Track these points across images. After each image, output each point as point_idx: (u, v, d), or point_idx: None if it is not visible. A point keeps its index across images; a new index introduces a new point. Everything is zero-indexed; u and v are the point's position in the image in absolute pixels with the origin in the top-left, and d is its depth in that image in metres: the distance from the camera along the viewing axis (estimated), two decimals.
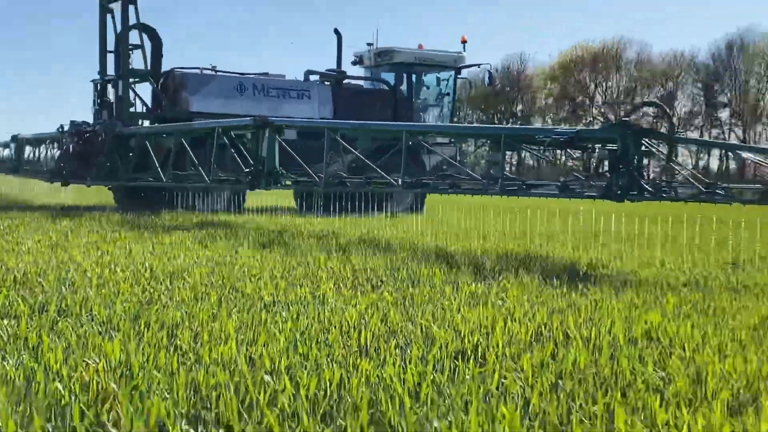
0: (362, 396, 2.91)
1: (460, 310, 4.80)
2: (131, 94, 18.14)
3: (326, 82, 20.35)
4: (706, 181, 9.07)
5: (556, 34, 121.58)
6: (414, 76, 21.85)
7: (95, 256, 7.37)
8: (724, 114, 75.45)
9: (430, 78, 22.40)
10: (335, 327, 4.22)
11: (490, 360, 3.61)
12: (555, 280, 6.33)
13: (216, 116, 16.50)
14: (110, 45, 17.88)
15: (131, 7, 17.27)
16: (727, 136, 73.26)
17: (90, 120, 18.28)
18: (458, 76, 22.71)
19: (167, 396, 2.98)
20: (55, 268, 6.35)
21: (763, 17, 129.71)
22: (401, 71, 21.63)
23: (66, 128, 17.43)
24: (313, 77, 20.52)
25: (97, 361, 3.40)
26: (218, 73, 19.32)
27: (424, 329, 4.19)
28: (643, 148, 8.88)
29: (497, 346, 3.87)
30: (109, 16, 17.72)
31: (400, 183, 11.22)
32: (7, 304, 4.79)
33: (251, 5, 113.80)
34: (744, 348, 4.00)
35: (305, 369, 3.34)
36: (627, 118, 10.73)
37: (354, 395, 2.96)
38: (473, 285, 5.96)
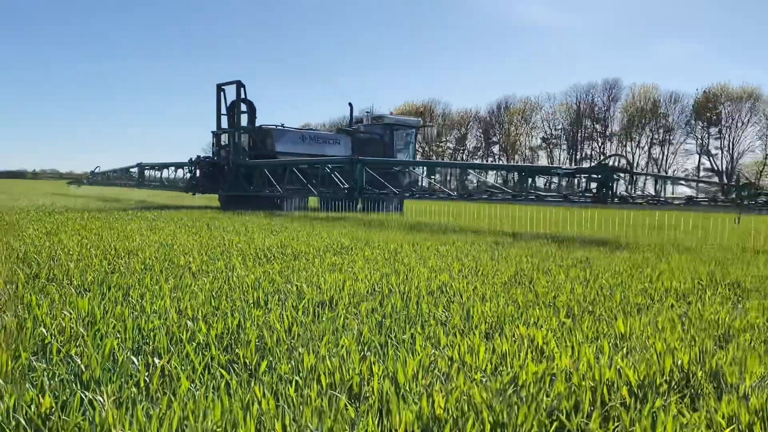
0: (252, 333, 2.87)
1: (323, 275, 4.78)
2: (241, 141, 19.84)
3: (347, 135, 22.77)
4: (650, 195, 12.82)
5: (394, 96, 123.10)
6: (394, 132, 23.67)
7: (95, 239, 6.97)
8: (495, 148, 78.39)
9: (401, 133, 24.07)
10: (238, 288, 4.14)
11: (339, 307, 3.62)
12: (386, 254, 6.40)
13: (290, 155, 19.62)
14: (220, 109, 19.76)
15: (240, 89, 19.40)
16: (497, 161, 76.17)
17: (204, 155, 20.50)
18: (416, 132, 25.12)
19: (119, 335, 2.86)
20: (48, 248, 5.96)
21: (519, 88, 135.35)
22: (387, 128, 23.51)
23: (194, 159, 19.72)
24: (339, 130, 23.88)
25: (71, 312, 3.23)
26: (288, 128, 21.44)
27: (298, 288, 4.15)
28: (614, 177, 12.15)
29: (345, 298, 3.88)
30: (222, 93, 19.64)
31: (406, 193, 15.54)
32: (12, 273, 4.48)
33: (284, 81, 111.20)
34: (498, 296, 4.14)
35: (216, 316, 3.27)
36: (605, 162, 12.97)
37: (248, 333, 2.91)
38: (334, 258, 5.95)
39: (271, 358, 2.57)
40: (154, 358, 2.55)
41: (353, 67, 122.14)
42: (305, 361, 2.48)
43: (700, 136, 69.46)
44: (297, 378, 2.33)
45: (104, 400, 2.06)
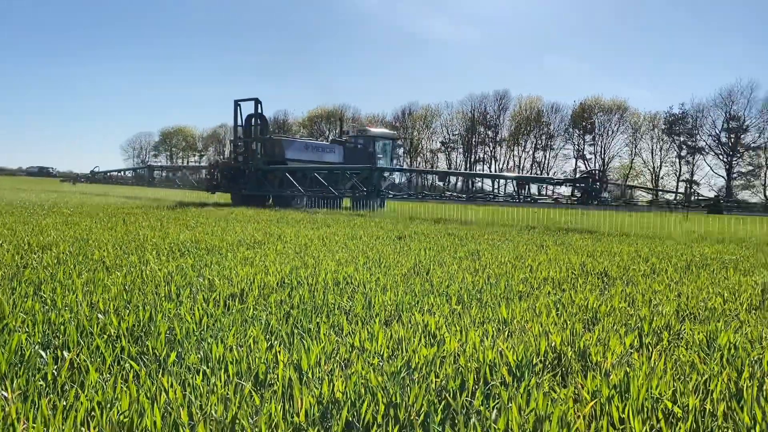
0: (163, 326, 2.76)
1: (235, 268, 4.67)
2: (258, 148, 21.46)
3: (340, 144, 25.12)
4: (623, 199, 18.05)
5: (306, 101, 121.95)
6: (375, 143, 25.63)
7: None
8: (400, 151, 79.37)
9: (380, 144, 26.02)
10: (151, 281, 3.97)
11: (249, 300, 3.54)
12: (297, 248, 6.33)
13: (296, 161, 21.75)
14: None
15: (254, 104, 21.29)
16: (401, 163, 77.27)
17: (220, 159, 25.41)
18: (394, 143, 27.67)
19: (27, 330, 2.68)
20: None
21: (421, 96, 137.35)
22: (370, 140, 25.59)
23: (212, 163, 22.60)
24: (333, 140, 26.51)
25: None
26: (294, 138, 25.05)
27: (209, 281, 4.03)
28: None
29: (255, 290, 3.80)
30: (239, 108, 21.37)
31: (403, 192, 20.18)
32: None
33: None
34: (397, 286, 4.18)
35: (128, 309, 3.12)
36: (588, 174, 17.65)
37: (158, 325, 2.79)
38: (246, 252, 5.83)
39: (180, 349, 2.47)
40: (64, 352, 2.41)
41: (265, 75, 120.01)
42: (214, 352, 2.41)
43: (576, 143, 73.26)
44: (205, 368, 2.26)
45: (8, 395, 1.92)
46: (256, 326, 2.86)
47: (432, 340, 2.82)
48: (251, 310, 3.23)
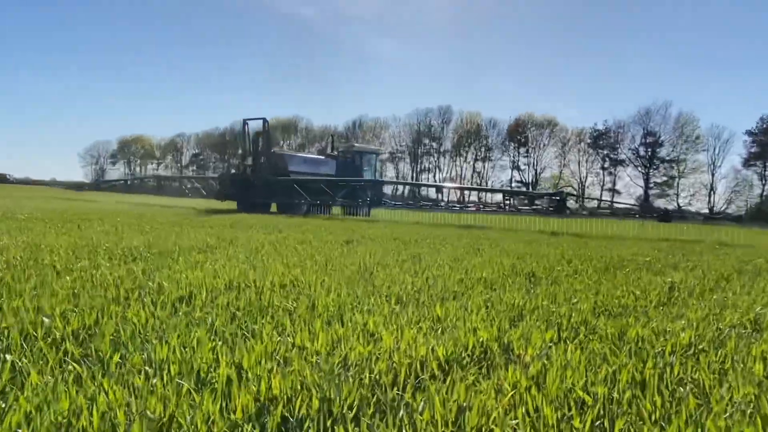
0: (109, 328, 2.66)
1: (185, 272, 4.54)
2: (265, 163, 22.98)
3: (333, 158, 26.81)
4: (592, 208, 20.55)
5: (262, 109, 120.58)
6: (362, 157, 27.36)
7: None
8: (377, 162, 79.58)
9: (367, 158, 27.72)
10: (100, 285, 3.82)
11: (197, 302, 3.45)
12: (248, 252, 6.23)
13: (298, 173, 23.18)
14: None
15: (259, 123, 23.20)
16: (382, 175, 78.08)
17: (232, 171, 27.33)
18: (378, 157, 29.79)
19: None
20: None
21: (371, 110, 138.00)
22: (357, 154, 27.33)
23: (222, 175, 25.85)
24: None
25: None
26: (294, 154, 27.52)
27: (159, 285, 3.91)
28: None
29: (203, 293, 3.70)
30: (246, 126, 23.25)
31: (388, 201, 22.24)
32: None
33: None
34: (341, 288, 4.15)
35: (75, 313, 2.99)
36: (562, 192, 19.88)
37: (103, 328, 2.69)
38: (198, 256, 5.69)
39: (124, 351, 2.39)
40: (6, 355, 2.29)
41: (222, 84, 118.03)
42: (157, 353, 2.33)
43: (512, 154, 74.97)
44: (147, 369, 2.19)
45: None
46: (202, 328, 2.79)
47: (370, 339, 2.81)
48: (198, 312, 3.15)
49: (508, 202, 23.03)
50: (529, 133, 73.27)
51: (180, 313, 3.10)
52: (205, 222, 11.55)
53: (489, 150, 75.38)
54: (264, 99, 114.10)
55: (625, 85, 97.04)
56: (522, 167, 74.91)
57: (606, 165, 70.03)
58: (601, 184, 69.80)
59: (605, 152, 70.13)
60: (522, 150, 74.59)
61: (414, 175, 77.66)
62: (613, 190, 69.11)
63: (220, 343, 2.58)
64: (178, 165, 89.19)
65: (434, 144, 78.70)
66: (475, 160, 75.90)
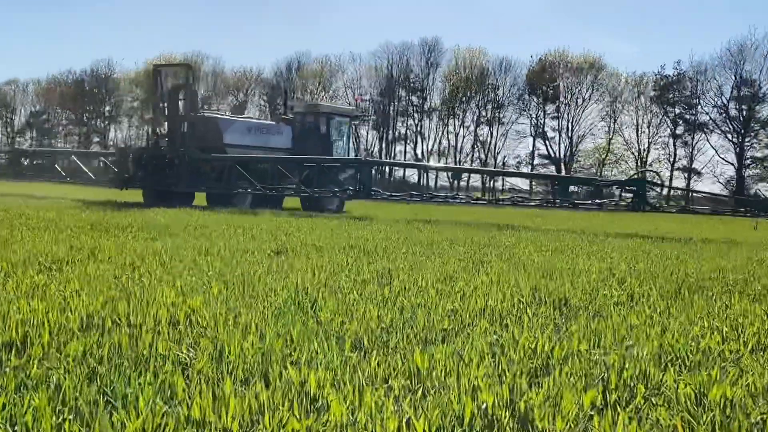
0: None
1: (16, 302, 4.43)
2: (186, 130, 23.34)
3: (287, 124, 27.50)
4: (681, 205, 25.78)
5: (143, 44, 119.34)
6: (331, 122, 28.24)
7: None
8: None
9: (336, 123, 28.65)
10: None
11: (35, 351, 3.37)
12: (118, 269, 6.14)
13: (239, 147, 23.96)
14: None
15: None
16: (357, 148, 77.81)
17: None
18: (352, 122, 31.59)
19: None
20: None
21: (315, 45, 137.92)
22: (323, 118, 28.07)
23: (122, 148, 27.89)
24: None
25: None
26: (234, 117, 28.29)
27: None
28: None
29: (45, 335, 3.61)
30: (159, 76, 23.89)
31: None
32: None
33: None
34: (267, 326, 4.10)
35: None
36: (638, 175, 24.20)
37: None
38: (38, 276, 5.58)
39: None
40: None
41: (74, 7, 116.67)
42: None
43: (534, 115, 75.38)
44: None
45: None
46: (41, 393, 2.72)
47: (310, 407, 2.79)
48: (35, 367, 3.09)
49: (555, 187, 25.32)
50: (562, 81, 74.17)
51: (6, 370, 3.03)
52: (52, 222, 11.37)
53: (499, 108, 76.10)
54: (145, 27, 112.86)
55: (708, 10, 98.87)
56: (550, 134, 75.73)
57: (679, 131, 71.18)
58: (671, 159, 70.90)
59: (677, 111, 71.35)
60: (550, 108, 75.49)
61: (384, 145, 77.86)
62: (690, 170, 70.21)
63: (70, 417, 2.53)
64: (8, 131, 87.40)
65: (414, 98, 79.10)
66: (477, 123, 76.49)
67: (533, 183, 51.52)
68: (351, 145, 30.75)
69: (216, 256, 7.50)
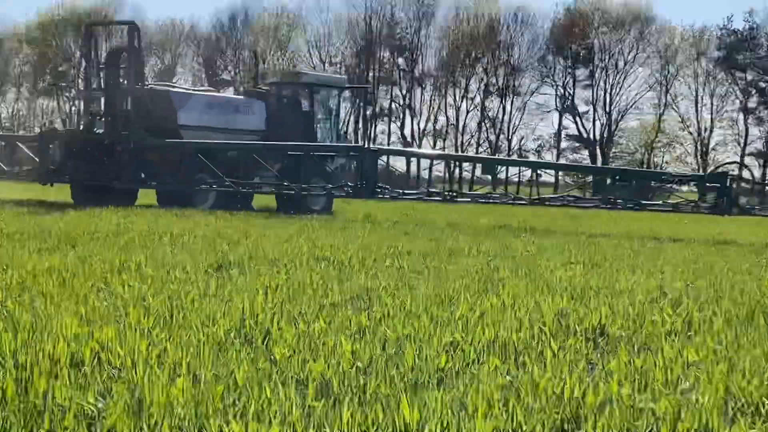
0: None
1: None
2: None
3: (260, 99, 28.11)
4: None
5: None
6: (314, 95, 29.22)
7: None
8: (228, 92, 78.85)
9: (323, 96, 30.03)
10: None
11: None
12: (3, 292, 6.12)
13: (198, 129, 24.37)
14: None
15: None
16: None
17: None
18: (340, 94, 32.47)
19: None
20: None
21: None
22: (306, 90, 29.23)
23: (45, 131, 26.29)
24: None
25: None
26: (190, 91, 28.37)
27: None
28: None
29: None
30: (93, 37, 25.50)
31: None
32: None
33: None
34: (202, 366, 4.10)
35: None
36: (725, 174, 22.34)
37: None
38: None
39: None
40: None
41: None
42: None
43: (561, 82, 75.37)
44: None
45: None
46: None
47: None
48: None
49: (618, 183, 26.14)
50: (597, 38, 74.31)
51: None
52: None
53: (513, 73, 76.14)
54: None
55: None
56: (581, 108, 75.77)
57: (751, 105, 71.41)
58: (741, 141, 71.16)
59: (749, 78, 71.61)
60: (581, 74, 75.59)
61: (361, 123, 77.63)
62: None
63: None
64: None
65: (401, 61, 78.99)
66: (485, 93, 76.51)
67: (561, 174, 51.65)
68: (340, 126, 32.06)
69: (134, 273, 7.47)
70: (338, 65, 76.16)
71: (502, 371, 4.30)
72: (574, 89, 75.34)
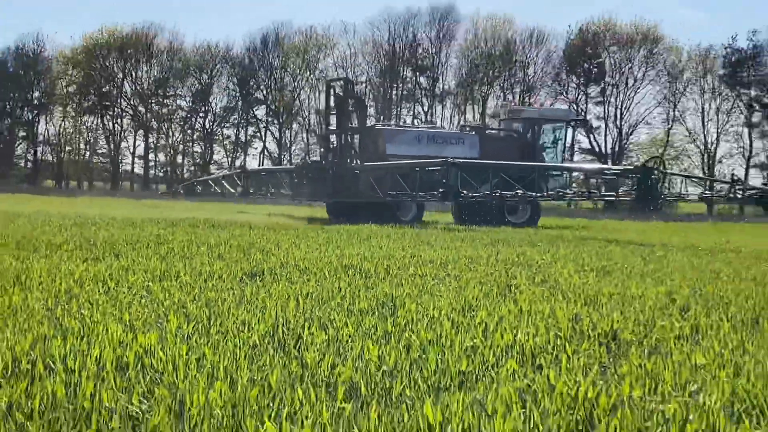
0: None
1: None
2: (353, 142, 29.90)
3: (473, 132, 33.42)
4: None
5: (81, 14, 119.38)
6: (535, 128, 33.01)
7: None
8: (261, 111, 79.09)
9: (548, 129, 33.70)
10: None
11: None
12: (52, 299, 6.15)
13: (404, 158, 28.18)
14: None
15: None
16: (263, 134, 77.03)
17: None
18: (567, 127, 34.90)
19: None
20: None
21: (298, 13, 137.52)
22: (528, 124, 33.04)
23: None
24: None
25: None
26: (402, 127, 35.82)
27: None
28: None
29: None
30: (331, 90, 29.62)
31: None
32: None
33: None
34: (240, 369, 4.12)
35: None
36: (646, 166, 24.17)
37: None
38: None
39: None
40: None
41: None
42: None
43: (574, 98, 75.30)
44: None
45: None
46: None
47: None
48: None
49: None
50: (608, 57, 74.19)
51: None
52: None
53: (529, 91, 76.07)
54: None
55: None
56: (594, 123, 75.54)
57: (755, 119, 71.15)
58: (746, 154, 70.88)
59: (753, 94, 71.31)
60: (593, 91, 75.45)
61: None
62: None
63: None
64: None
65: (423, 80, 79.03)
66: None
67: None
68: (564, 152, 35.03)
69: (174, 282, 7.50)
70: (364, 84, 76.22)
71: (520, 374, 4.31)
72: (586, 105, 75.26)
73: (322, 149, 32.09)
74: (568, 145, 36.77)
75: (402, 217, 27.72)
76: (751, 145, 70.24)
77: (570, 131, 35.81)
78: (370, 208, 26.99)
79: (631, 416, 3.54)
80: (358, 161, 29.29)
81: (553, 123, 34.02)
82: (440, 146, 30.57)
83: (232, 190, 35.71)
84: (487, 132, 34.02)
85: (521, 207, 29.89)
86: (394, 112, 77.32)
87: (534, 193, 26.26)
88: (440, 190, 25.27)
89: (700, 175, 68.19)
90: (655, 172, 23.39)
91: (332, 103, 29.49)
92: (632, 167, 29.42)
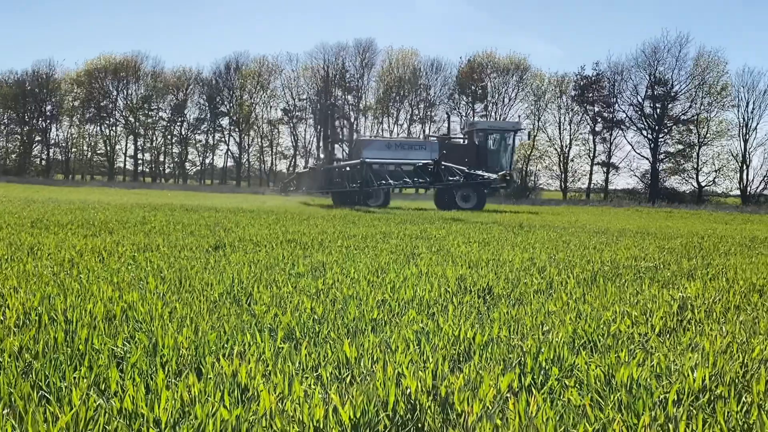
0: None
1: None
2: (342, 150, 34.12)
3: (435, 140, 34.98)
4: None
5: (83, 44, 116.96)
6: (488, 136, 34.52)
7: None
8: (225, 121, 78.53)
9: (495, 137, 34.79)
10: None
11: None
12: (56, 266, 6.02)
13: (378, 161, 29.63)
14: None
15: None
16: (227, 139, 76.73)
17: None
18: (514, 136, 35.87)
19: None
20: None
21: (254, 45, 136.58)
22: (480, 134, 34.52)
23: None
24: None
25: None
26: (377, 138, 38.67)
27: None
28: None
29: None
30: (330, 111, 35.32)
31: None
32: None
33: None
34: (201, 319, 4.08)
35: None
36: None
37: None
38: None
39: None
40: None
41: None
42: None
43: (464, 113, 75.94)
44: None
45: None
46: None
47: (241, 396, 2.79)
48: None
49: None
50: (489, 81, 74.80)
51: None
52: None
53: (431, 106, 76.35)
54: (85, 27, 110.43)
55: (624, 12, 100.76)
56: None
57: (598, 128, 72.48)
58: (591, 154, 72.17)
59: (596, 109, 72.60)
60: (479, 107, 76.08)
61: (319, 142, 77.39)
62: (609, 165, 71.61)
63: (3, 412, 2.48)
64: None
65: (350, 98, 78.81)
66: (411, 121, 76.67)
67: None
68: (511, 157, 35.73)
69: (154, 252, 7.39)
70: (305, 101, 76.02)
71: (417, 320, 4.33)
72: (473, 117, 75.81)
73: (327, 157, 33.87)
74: (515, 149, 37.64)
75: (372, 203, 28.64)
76: (594, 148, 71.70)
77: (516, 138, 36.21)
78: (350, 196, 28.43)
79: (498, 350, 3.60)
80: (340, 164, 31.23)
81: (502, 132, 34.98)
82: (406, 151, 32.01)
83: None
84: (447, 141, 34.87)
85: (471, 195, 29.91)
86: (330, 125, 76.94)
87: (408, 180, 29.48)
88: (358, 181, 28.03)
89: (557, 171, 69.69)
90: (507, 179, 30.44)
91: (336, 123, 32.97)
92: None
